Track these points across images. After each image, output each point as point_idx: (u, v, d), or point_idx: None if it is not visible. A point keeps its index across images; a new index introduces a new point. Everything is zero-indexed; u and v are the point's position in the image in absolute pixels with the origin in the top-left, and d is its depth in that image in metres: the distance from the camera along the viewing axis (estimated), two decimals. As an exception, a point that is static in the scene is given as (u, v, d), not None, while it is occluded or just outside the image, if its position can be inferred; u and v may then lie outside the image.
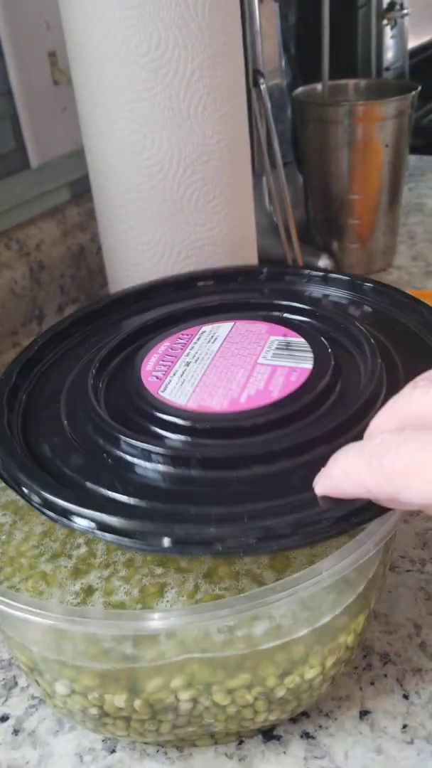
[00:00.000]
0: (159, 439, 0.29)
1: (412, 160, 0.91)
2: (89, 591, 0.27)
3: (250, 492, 0.26)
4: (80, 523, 0.25)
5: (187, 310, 0.38)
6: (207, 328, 0.36)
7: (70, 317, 0.38)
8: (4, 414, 0.31)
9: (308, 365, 0.31)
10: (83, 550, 0.29)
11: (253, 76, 0.52)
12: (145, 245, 0.47)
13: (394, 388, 0.29)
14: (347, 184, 0.62)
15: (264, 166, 0.56)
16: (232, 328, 0.35)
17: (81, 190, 0.63)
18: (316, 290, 0.39)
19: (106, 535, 0.25)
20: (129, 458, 0.28)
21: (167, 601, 0.26)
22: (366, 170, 0.62)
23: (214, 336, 0.35)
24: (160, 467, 0.27)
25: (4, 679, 0.33)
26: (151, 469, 0.28)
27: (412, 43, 0.95)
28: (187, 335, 0.35)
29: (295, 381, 0.31)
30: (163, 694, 0.26)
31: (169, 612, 0.25)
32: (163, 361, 0.33)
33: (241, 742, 0.30)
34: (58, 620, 0.25)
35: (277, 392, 0.30)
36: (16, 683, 0.33)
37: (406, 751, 0.29)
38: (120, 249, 0.49)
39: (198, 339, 0.35)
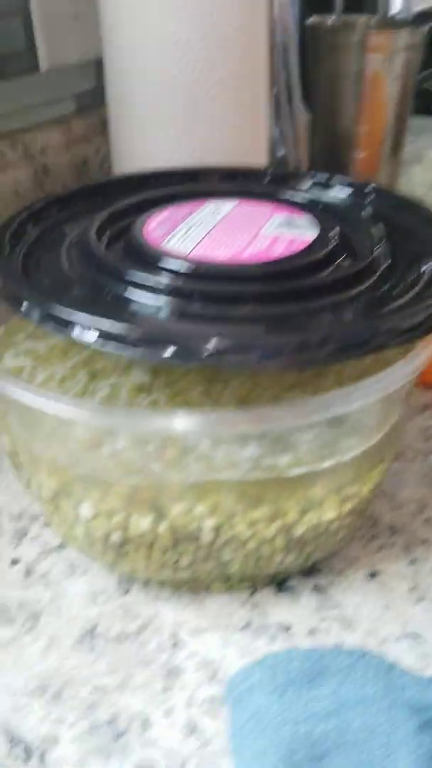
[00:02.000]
0: (161, 277, 0.28)
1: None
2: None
3: (251, 326, 0.26)
4: (82, 332, 0.25)
5: (190, 191, 0.38)
6: (210, 203, 0.36)
7: (70, 190, 0.38)
8: (5, 247, 0.31)
9: (312, 236, 0.32)
10: (106, 391, 0.29)
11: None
12: (157, 141, 0.47)
13: (395, 266, 0.31)
14: (355, 114, 0.62)
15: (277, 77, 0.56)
16: (236, 205, 0.36)
17: (86, 103, 0.62)
18: (320, 190, 0.39)
19: (109, 343, 0.25)
20: (130, 292, 0.28)
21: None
22: (374, 101, 0.62)
23: (218, 210, 0.35)
24: (162, 300, 0.27)
25: (14, 529, 0.33)
26: (152, 303, 0.27)
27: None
28: (190, 207, 0.35)
29: (298, 246, 0.31)
30: (187, 518, 0.26)
31: (203, 414, 0.25)
32: (165, 223, 0.33)
33: (253, 592, 0.30)
34: (99, 416, 0.25)
35: (279, 252, 0.31)
36: (26, 533, 0.32)
37: (413, 609, 0.30)
38: (131, 147, 0.49)
39: (201, 211, 0.35)
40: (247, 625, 0.28)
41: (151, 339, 0.25)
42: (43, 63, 0.57)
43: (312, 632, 0.28)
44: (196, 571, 0.28)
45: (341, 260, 0.31)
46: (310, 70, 0.65)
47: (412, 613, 0.30)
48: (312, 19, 0.64)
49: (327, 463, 0.27)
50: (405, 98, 0.63)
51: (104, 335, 0.25)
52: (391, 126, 0.63)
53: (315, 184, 0.40)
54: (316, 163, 0.67)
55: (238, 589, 0.30)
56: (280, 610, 0.29)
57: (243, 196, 0.37)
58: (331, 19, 0.65)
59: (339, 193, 0.39)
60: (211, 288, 0.28)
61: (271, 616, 0.29)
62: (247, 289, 0.28)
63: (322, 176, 0.40)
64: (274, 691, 0.22)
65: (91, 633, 0.28)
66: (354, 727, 0.21)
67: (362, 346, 0.26)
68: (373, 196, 0.38)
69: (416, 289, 0.30)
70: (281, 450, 0.27)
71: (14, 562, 0.31)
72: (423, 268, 0.30)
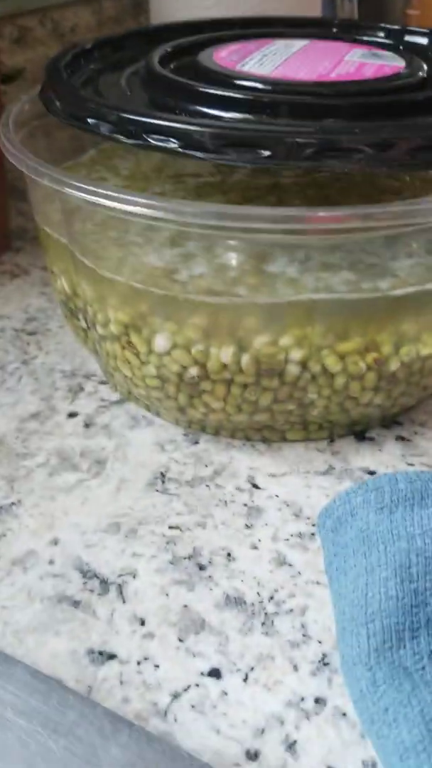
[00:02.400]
0: (241, 93, 0.26)
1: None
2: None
3: (351, 135, 0.23)
4: (163, 140, 0.23)
5: (254, 33, 0.35)
6: (279, 41, 0.32)
7: (122, 33, 0.35)
8: (62, 72, 0.28)
9: (400, 64, 0.29)
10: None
11: None
12: (203, 6, 0.44)
13: None
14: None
15: None
16: (309, 43, 0.32)
17: (118, -15, 0.59)
18: (396, 36, 0.36)
19: (193, 152, 0.22)
20: (206, 109, 0.25)
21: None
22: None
23: (290, 45, 0.32)
24: (244, 116, 0.25)
25: (68, 386, 0.30)
26: (232, 117, 0.25)
27: None
28: (258, 43, 0.32)
29: (390, 70, 0.28)
30: (271, 350, 0.24)
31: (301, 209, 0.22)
32: (236, 53, 0.30)
33: (332, 441, 0.28)
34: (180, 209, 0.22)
35: (371, 74, 0.28)
36: (81, 389, 0.30)
37: None
38: (174, 13, 0.45)
39: (272, 45, 0.32)
40: (329, 470, 0.26)
41: (242, 142, 0.22)
42: None
43: (400, 477, 0.26)
44: (274, 413, 0.26)
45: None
46: None
47: None
48: None
49: (427, 286, 0.24)
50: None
51: (187, 141, 0.22)
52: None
53: (389, 33, 0.37)
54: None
55: (315, 439, 0.28)
56: (362, 457, 0.27)
57: (314, 37, 0.34)
58: None
59: (417, 39, 0.36)
60: (301, 100, 0.25)
61: (353, 462, 0.27)
62: (343, 102, 0.25)
63: (394, 26, 0.37)
64: (382, 510, 0.20)
65: (162, 477, 0.26)
66: (472, 544, 0.19)
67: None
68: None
69: None
70: (378, 275, 0.24)
71: (72, 414, 0.29)
72: None
